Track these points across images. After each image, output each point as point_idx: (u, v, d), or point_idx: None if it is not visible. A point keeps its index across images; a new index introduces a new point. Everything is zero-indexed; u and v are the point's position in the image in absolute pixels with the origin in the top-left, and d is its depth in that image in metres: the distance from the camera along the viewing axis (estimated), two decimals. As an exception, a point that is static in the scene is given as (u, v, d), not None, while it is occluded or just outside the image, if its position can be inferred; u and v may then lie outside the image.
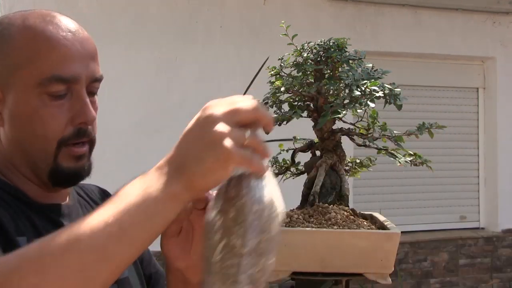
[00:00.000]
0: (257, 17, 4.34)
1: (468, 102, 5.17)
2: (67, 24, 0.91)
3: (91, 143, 0.93)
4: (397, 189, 4.91)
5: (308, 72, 1.30)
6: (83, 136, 0.90)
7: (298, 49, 1.29)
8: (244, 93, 0.82)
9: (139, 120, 3.97)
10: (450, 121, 5.06)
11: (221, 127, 0.66)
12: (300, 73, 1.30)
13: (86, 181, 0.98)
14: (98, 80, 0.92)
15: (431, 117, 4.96)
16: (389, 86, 1.22)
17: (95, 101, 0.93)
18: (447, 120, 5.04)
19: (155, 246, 0.79)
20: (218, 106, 0.68)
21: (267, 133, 0.73)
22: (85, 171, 0.93)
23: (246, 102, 0.70)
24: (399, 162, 1.25)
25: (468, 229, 5.11)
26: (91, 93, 0.91)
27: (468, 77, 5.13)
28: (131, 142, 3.93)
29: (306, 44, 1.31)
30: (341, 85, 1.23)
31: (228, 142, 0.66)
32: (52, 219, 0.92)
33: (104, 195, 1.09)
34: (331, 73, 1.27)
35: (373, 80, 1.21)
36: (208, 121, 0.67)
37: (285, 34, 1.29)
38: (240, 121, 0.68)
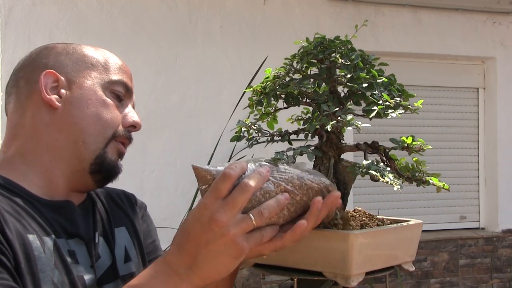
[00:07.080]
0: (257, 17, 4.34)
1: (468, 102, 5.17)
2: None
3: None
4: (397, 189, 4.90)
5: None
6: (129, 138, 1.03)
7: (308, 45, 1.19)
8: (244, 92, 0.83)
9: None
10: (450, 121, 5.07)
11: (228, 229, 0.72)
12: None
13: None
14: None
15: (431, 117, 4.97)
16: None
17: None
18: (447, 120, 5.05)
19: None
20: (216, 204, 0.73)
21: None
22: (120, 169, 1.02)
23: (238, 190, 0.73)
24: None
25: (468, 229, 5.11)
26: None
27: (468, 77, 5.13)
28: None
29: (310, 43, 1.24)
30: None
31: (239, 240, 0.72)
32: (62, 213, 0.94)
33: (130, 201, 1.15)
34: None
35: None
36: (214, 226, 0.72)
37: (318, 37, 1.19)
38: (241, 207, 0.73)
